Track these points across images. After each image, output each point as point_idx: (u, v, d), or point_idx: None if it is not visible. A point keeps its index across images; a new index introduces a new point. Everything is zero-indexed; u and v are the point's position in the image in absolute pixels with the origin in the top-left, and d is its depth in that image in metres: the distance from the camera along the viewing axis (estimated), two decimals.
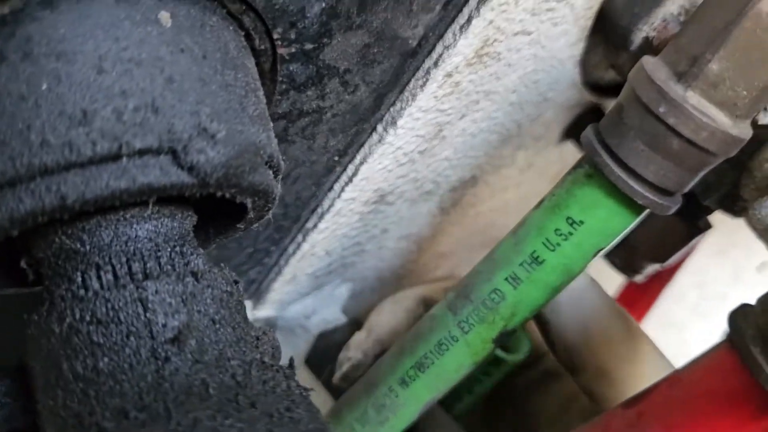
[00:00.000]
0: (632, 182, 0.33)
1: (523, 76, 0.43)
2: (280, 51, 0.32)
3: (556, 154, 0.54)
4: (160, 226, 0.28)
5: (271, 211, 0.31)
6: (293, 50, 0.32)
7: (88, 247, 0.26)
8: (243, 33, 0.30)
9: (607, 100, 0.51)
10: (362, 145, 0.41)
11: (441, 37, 0.37)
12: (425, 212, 0.51)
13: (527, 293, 0.37)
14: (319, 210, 0.44)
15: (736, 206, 0.45)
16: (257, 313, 0.49)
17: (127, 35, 0.25)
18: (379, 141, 0.40)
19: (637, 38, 0.42)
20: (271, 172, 0.30)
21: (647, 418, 0.33)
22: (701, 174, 0.33)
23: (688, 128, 0.31)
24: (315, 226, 0.44)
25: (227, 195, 0.27)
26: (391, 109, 0.39)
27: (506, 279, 0.37)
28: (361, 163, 0.41)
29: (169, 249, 0.28)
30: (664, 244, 0.49)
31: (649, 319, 0.66)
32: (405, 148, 0.42)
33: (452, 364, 0.39)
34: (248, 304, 0.49)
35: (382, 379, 0.41)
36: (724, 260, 0.67)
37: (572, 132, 0.52)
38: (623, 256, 0.50)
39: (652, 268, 0.51)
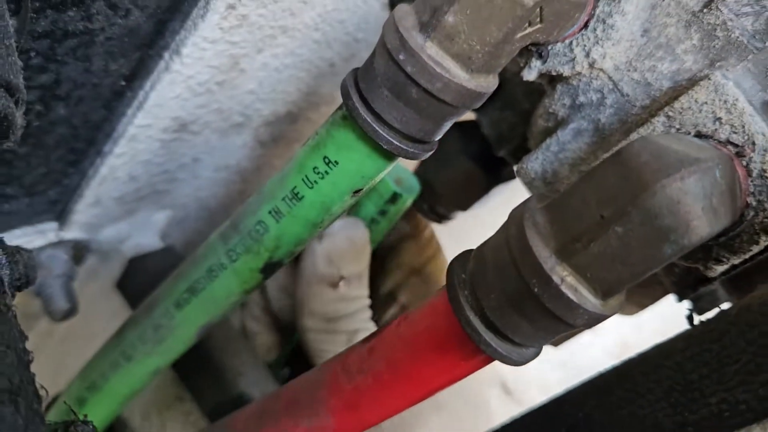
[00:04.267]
0: (378, 127, 0.34)
1: (324, 14, 0.43)
2: None
3: None
4: None
5: (14, 134, 0.31)
6: None
7: None
8: None
9: None
10: (150, 71, 0.41)
11: None
12: (240, 144, 0.51)
13: (289, 227, 0.38)
14: (114, 135, 0.44)
15: None
16: (64, 234, 0.49)
17: None
18: (167, 69, 0.40)
19: None
20: (6, 94, 0.30)
21: (376, 354, 0.35)
22: (447, 124, 0.35)
23: (424, 78, 0.32)
24: (111, 150, 0.44)
25: None
26: (176, 38, 0.39)
27: (270, 212, 0.38)
28: (151, 90, 0.41)
29: None
30: (465, 192, 0.51)
31: None
32: (198, 78, 0.42)
33: (222, 290, 0.40)
34: (53, 225, 0.49)
35: (161, 301, 0.43)
36: None
37: None
38: (429, 203, 0.52)
39: (455, 215, 0.53)
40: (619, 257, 0.27)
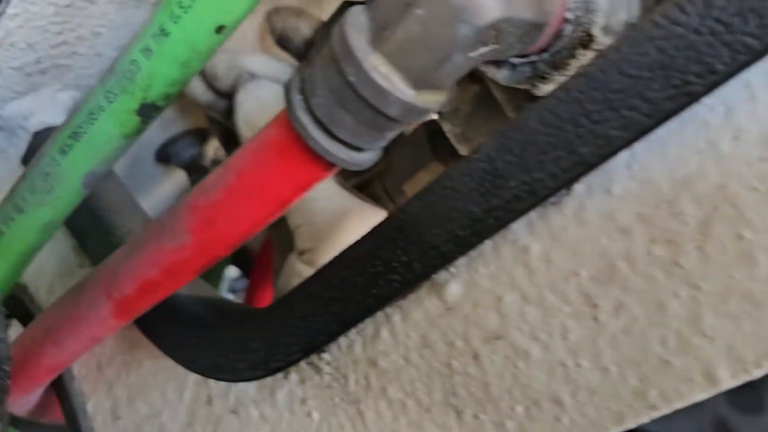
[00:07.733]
0: None
1: None
2: None
3: None
4: None
5: None
6: None
7: None
8: None
9: None
10: None
11: None
12: (140, 22, 0.53)
13: (159, 65, 0.40)
14: None
15: None
16: None
17: None
18: None
19: None
20: None
21: (229, 169, 0.37)
22: None
23: None
24: (4, 11, 0.46)
25: None
26: None
27: (141, 50, 0.40)
28: None
29: None
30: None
31: None
32: None
33: (101, 134, 0.43)
34: None
35: (47, 150, 0.45)
36: None
37: None
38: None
39: None
40: (421, 41, 0.30)
